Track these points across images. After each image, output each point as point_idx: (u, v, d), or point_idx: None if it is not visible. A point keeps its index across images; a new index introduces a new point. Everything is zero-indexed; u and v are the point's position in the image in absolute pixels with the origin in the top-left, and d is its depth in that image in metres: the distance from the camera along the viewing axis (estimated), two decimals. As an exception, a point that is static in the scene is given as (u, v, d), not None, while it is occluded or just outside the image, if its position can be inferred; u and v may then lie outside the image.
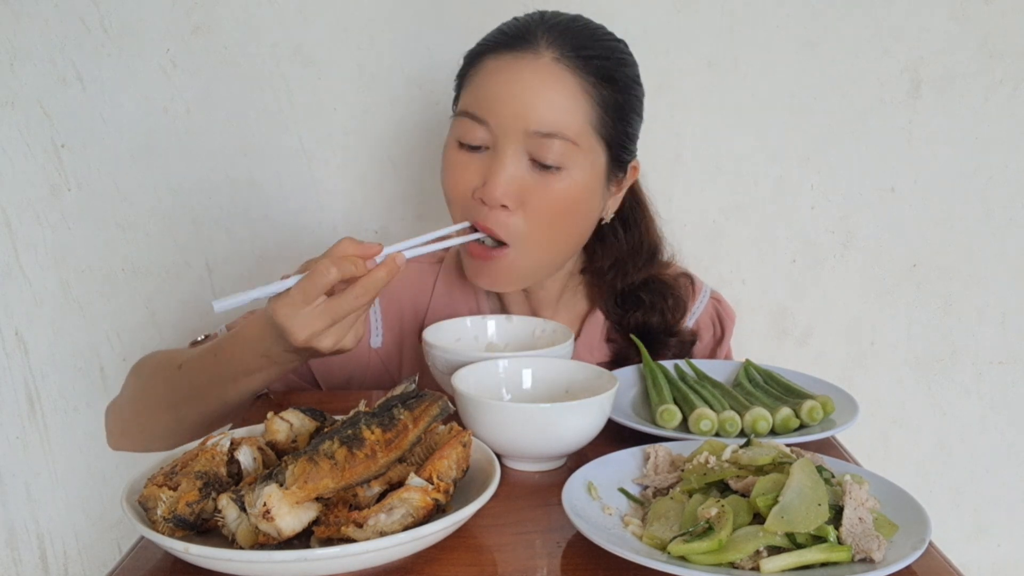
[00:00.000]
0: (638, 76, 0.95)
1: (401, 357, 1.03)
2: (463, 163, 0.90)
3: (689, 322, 1.07)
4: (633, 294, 1.01)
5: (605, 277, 1.01)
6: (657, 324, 1.01)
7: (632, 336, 1.01)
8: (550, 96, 0.86)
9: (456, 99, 0.96)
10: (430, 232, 0.86)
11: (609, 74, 0.89)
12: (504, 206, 0.88)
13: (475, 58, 0.92)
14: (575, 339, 1.00)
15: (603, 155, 0.92)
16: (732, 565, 0.56)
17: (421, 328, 0.99)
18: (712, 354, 1.09)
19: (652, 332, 1.01)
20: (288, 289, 0.74)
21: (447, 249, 1.03)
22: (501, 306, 1.04)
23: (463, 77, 0.94)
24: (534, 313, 1.04)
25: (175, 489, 0.59)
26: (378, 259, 0.77)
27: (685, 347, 1.03)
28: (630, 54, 0.94)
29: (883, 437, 1.43)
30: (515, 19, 0.93)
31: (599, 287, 1.03)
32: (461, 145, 0.90)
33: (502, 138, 0.87)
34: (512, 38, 0.89)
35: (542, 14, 0.92)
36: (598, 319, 1.04)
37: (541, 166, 0.88)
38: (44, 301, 1.33)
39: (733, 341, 1.12)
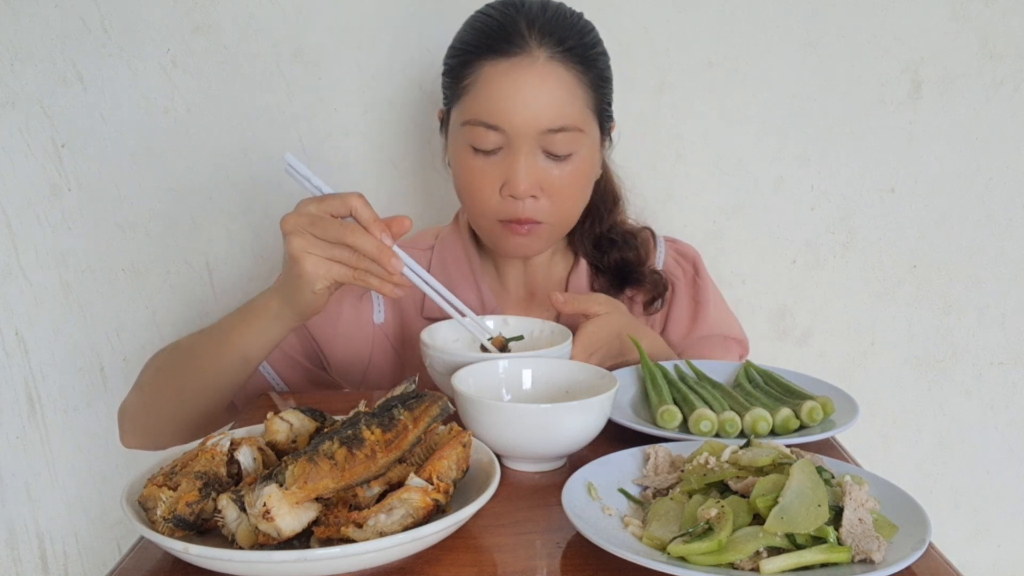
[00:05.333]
0: (603, 45, 1.01)
1: (403, 334, 1.08)
2: (482, 167, 0.97)
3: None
4: (606, 237, 1.11)
5: (583, 226, 1.09)
6: (633, 259, 1.10)
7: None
8: (553, 95, 0.94)
9: (448, 102, 1.00)
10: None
11: (589, 57, 0.97)
12: (532, 196, 0.96)
13: (467, 64, 0.96)
14: (565, 290, 1.09)
15: (597, 127, 1.00)
16: (732, 566, 0.56)
17: (421, 306, 1.06)
18: (697, 289, 1.12)
19: (630, 266, 1.10)
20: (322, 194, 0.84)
21: (437, 236, 1.11)
22: (496, 275, 1.10)
23: (458, 83, 0.97)
24: (530, 276, 1.10)
25: (175, 489, 0.59)
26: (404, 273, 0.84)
27: (660, 288, 1.10)
28: (593, 27, 1.01)
29: (883, 437, 1.43)
30: (489, 16, 0.97)
31: (578, 236, 1.11)
32: (475, 151, 0.96)
33: (516, 140, 0.94)
34: (502, 41, 0.94)
35: (515, 7, 0.96)
36: (582, 269, 1.11)
37: (555, 157, 0.95)
38: (44, 301, 1.33)
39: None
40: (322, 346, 1.05)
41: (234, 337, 0.90)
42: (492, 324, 0.97)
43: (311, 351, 1.05)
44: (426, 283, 0.87)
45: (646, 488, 0.69)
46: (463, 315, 0.90)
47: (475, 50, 0.95)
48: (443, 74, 1.01)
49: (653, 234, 1.16)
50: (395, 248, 0.81)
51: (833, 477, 0.63)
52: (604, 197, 1.11)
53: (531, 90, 0.93)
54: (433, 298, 0.88)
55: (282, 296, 0.86)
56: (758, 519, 0.59)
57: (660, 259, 1.15)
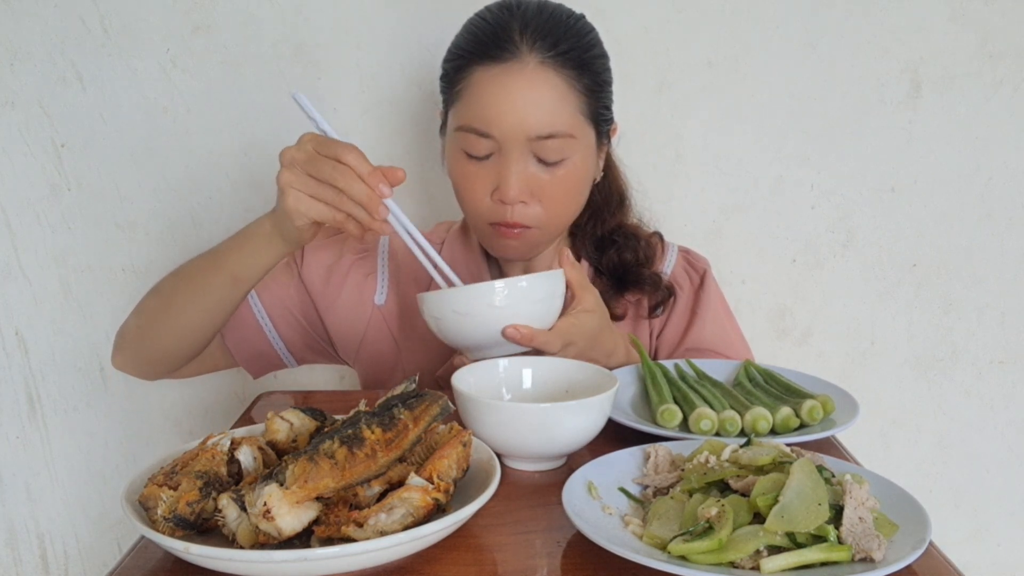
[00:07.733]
0: (602, 48, 1.00)
1: (402, 318, 1.09)
2: (474, 173, 0.97)
3: (664, 277, 1.12)
4: (608, 238, 1.10)
5: (585, 227, 1.10)
6: (630, 260, 1.09)
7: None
8: (543, 101, 0.93)
9: (445, 104, 1.01)
10: (423, 236, 0.90)
11: (584, 61, 0.96)
12: (522, 201, 0.96)
13: (460, 69, 0.96)
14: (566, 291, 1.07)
15: (592, 132, 0.99)
16: (732, 565, 0.56)
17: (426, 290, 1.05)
18: (697, 300, 1.11)
19: (627, 266, 1.09)
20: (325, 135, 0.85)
21: (449, 229, 1.12)
22: (500, 272, 1.11)
23: (452, 88, 0.98)
24: (531, 272, 1.09)
25: (175, 489, 0.59)
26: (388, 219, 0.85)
27: (660, 291, 1.09)
28: (592, 29, 0.99)
29: (883, 437, 1.43)
30: (484, 20, 0.96)
31: (580, 237, 1.11)
32: (469, 157, 0.96)
33: (506, 145, 0.94)
34: (493, 47, 0.94)
35: (510, 10, 0.96)
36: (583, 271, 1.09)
37: (546, 163, 0.95)
38: (44, 301, 1.33)
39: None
40: (321, 313, 1.07)
41: (227, 256, 0.93)
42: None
43: (310, 314, 1.08)
44: (417, 245, 0.89)
45: (646, 487, 0.69)
46: (451, 284, 0.91)
47: (468, 55, 0.96)
48: (440, 78, 1.01)
49: (663, 240, 1.15)
50: (388, 202, 0.83)
51: (833, 476, 0.63)
52: (609, 198, 1.10)
53: (520, 96, 0.92)
54: (418, 256, 0.90)
55: (273, 222, 0.89)
56: (758, 518, 0.59)
57: (669, 266, 1.13)
